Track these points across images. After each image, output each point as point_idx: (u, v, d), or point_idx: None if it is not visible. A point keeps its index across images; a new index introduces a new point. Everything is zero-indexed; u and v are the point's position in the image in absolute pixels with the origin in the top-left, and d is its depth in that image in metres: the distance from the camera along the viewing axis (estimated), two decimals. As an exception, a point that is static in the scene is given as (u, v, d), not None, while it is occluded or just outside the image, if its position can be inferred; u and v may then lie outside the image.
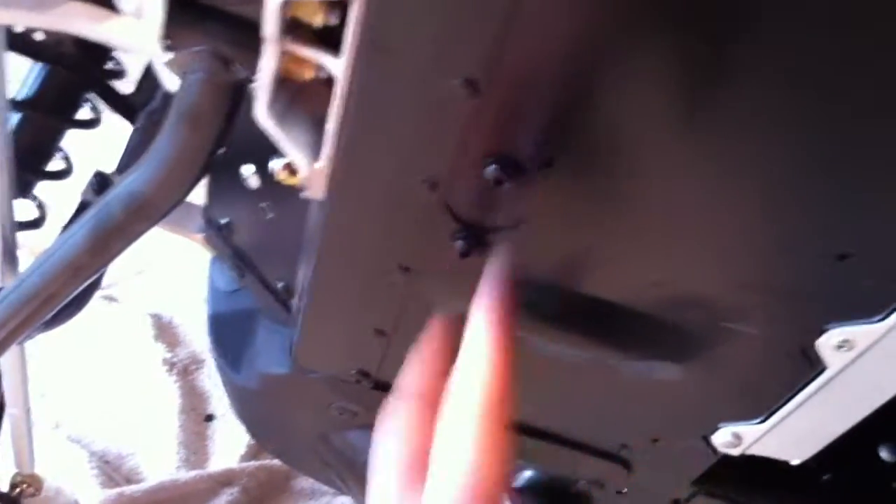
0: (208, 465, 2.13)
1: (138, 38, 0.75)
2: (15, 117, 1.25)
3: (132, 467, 2.10)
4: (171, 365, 2.30)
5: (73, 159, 1.38)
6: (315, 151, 0.75)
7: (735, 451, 0.94)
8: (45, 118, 1.30)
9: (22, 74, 1.25)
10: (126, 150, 1.33)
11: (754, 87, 0.60)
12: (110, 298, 2.49)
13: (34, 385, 1.55)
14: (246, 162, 0.96)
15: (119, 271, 2.47)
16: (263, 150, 0.83)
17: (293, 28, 0.69)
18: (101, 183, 1.17)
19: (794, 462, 0.94)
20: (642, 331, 0.83)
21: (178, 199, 0.86)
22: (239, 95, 0.77)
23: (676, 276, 0.76)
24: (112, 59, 1.34)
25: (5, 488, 1.73)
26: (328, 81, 0.71)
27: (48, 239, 1.02)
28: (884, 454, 1.08)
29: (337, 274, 0.86)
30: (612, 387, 0.92)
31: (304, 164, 0.75)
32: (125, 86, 1.38)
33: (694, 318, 0.80)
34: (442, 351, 0.76)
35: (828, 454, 1.01)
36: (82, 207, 1.21)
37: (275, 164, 0.79)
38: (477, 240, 0.76)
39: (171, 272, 2.46)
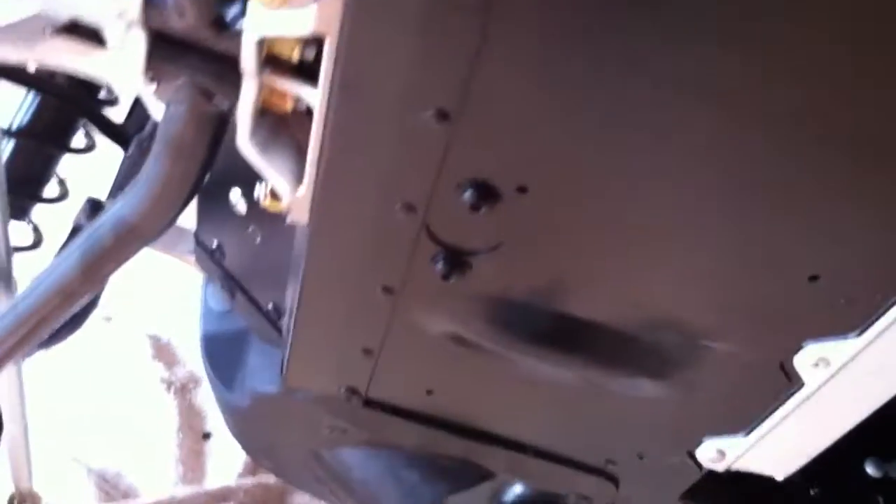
0: (205, 482, 2.14)
1: (122, 72, 0.77)
2: (10, 145, 1.27)
3: (130, 484, 2.11)
4: (169, 384, 2.31)
5: (68, 184, 1.40)
6: (297, 178, 0.76)
7: (720, 467, 0.95)
8: (40, 145, 1.31)
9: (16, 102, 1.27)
10: (118, 176, 1.35)
11: (721, 120, 0.61)
12: (109, 319, 2.50)
13: (32, 403, 1.56)
14: (234, 187, 0.98)
15: (118, 292, 2.48)
16: (251, 177, 0.85)
17: (272, 62, 0.71)
18: (93, 208, 1.19)
19: (779, 477, 0.95)
20: (625, 349, 0.84)
21: (166, 225, 0.88)
22: (221, 125, 0.79)
23: (655, 297, 0.78)
24: (104, 88, 1.35)
25: (4, 505, 1.75)
26: (308, 111, 0.72)
27: (44, 262, 1.04)
28: (870, 469, 1.09)
29: (322, 295, 0.88)
30: (598, 404, 0.94)
31: (286, 190, 0.76)
32: (117, 113, 1.40)
33: (674, 337, 0.81)
34: None
35: (815, 469, 1.02)
36: (75, 232, 1.22)
37: (259, 191, 0.80)
38: (457, 262, 0.78)
39: (169, 293, 2.48)
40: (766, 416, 0.86)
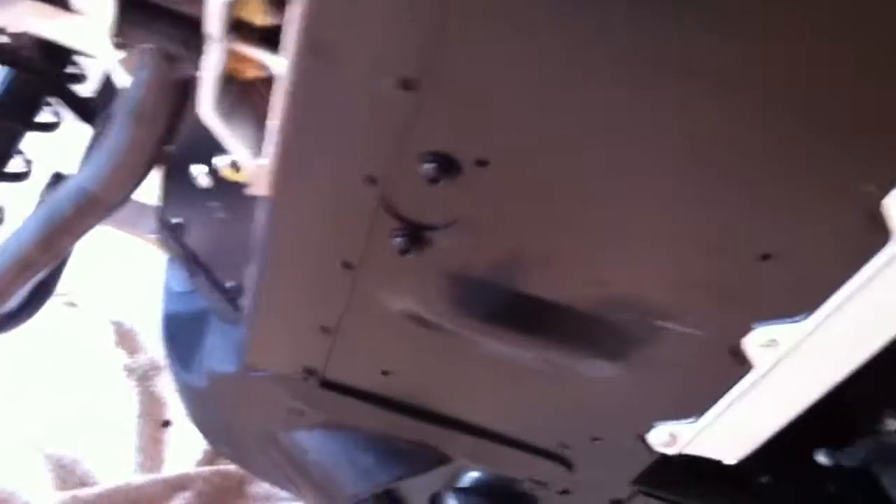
0: (163, 469, 2.13)
1: (90, 36, 0.77)
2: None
3: (86, 471, 2.09)
4: (131, 370, 2.30)
5: (33, 161, 1.39)
6: (259, 148, 0.77)
7: (671, 451, 0.96)
8: (5, 121, 1.31)
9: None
10: (86, 152, 1.35)
11: (674, 99, 0.63)
12: (72, 304, 2.49)
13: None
14: (197, 162, 0.98)
15: (82, 278, 2.47)
16: (214, 150, 0.85)
17: (237, 27, 0.71)
18: (58, 183, 1.18)
19: (729, 462, 0.97)
20: (581, 329, 0.85)
21: (126, 195, 0.88)
22: (185, 93, 0.79)
23: (608, 275, 0.79)
24: (73, 63, 1.35)
25: (-42, 492, 1.73)
26: (272, 79, 0.73)
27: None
28: (820, 458, 1.11)
29: (282, 271, 0.88)
30: (554, 386, 0.95)
31: (247, 160, 0.77)
32: (86, 89, 1.40)
33: (629, 317, 0.82)
34: None
35: (766, 457, 1.04)
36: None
37: (220, 161, 0.81)
38: (415, 237, 0.78)
39: (135, 280, 2.46)
40: (716, 399, 0.88)
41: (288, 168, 0.75)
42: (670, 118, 0.64)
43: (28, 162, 1.41)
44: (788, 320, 0.77)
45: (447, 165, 0.71)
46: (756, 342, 0.80)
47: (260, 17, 0.70)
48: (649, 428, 0.94)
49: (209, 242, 1.11)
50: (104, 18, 0.74)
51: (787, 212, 0.69)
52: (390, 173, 0.73)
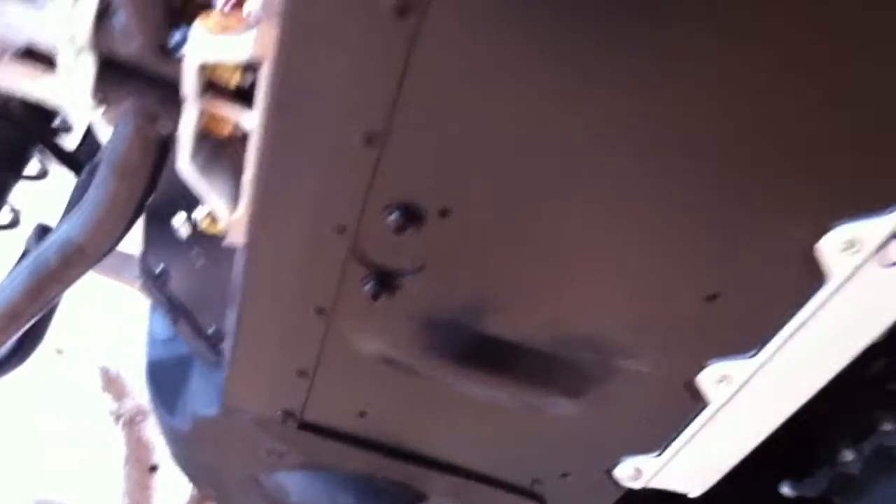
0: (150, 514, 2.15)
1: (72, 95, 0.82)
2: (-37, 172, 1.30)
3: (73, 516, 2.10)
4: (118, 416, 2.32)
5: (22, 212, 1.43)
6: (235, 200, 0.81)
7: (637, 485, 1.00)
8: (-6, 172, 1.35)
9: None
10: (70, 202, 1.38)
11: (625, 153, 0.67)
12: (60, 351, 2.51)
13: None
14: (178, 212, 1.02)
15: (69, 324, 2.49)
16: (194, 202, 0.89)
17: (212, 87, 0.76)
18: (42, 234, 1.21)
19: (693, 495, 1.00)
20: (543, 369, 0.89)
21: (110, 246, 0.91)
22: (164, 148, 0.83)
23: (568, 316, 0.83)
24: (59, 116, 1.39)
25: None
26: (247, 136, 0.77)
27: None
28: (785, 490, 1.15)
29: (258, 316, 0.92)
30: (521, 423, 0.98)
31: (224, 212, 0.81)
32: (71, 141, 1.44)
33: (589, 356, 0.86)
34: None
35: (732, 490, 1.08)
36: (24, 257, 1.25)
37: (198, 213, 0.85)
38: (385, 283, 0.82)
39: (121, 326, 2.49)
40: (677, 434, 0.91)
41: (261, 219, 0.79)
42: (619, 173, 0.69)
43: (15, 212, 1.44)
44: (739, 357, 0.82)
45: (412, 215, 0.75)
46: (709, 378, 0.84)
47: (233, 78, 0.74)
48: (615, 463, 0.98)
49: (190, 289, 1.15)
50: (85, 79, 0.79)
51: (729, 256, 0.73)
52: (359, 223, 0.77)
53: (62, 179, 1.41)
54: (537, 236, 0.76)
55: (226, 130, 0.79)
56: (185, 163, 0.79)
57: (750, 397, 0.85)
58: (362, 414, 1.02)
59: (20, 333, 1.11)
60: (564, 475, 1.03)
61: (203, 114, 0.77)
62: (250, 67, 0.72)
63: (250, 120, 0.75)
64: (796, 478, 1.11)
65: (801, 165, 0.65)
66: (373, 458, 1.08)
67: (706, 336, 0.81)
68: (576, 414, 0.93)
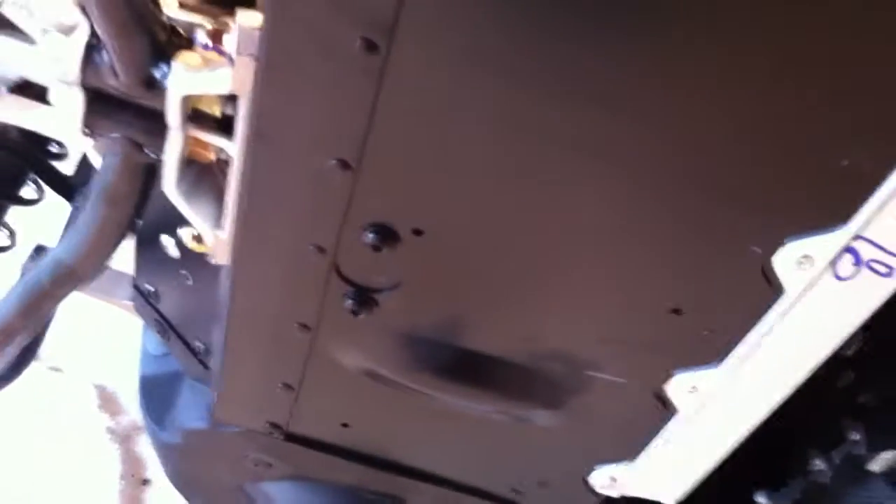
0: (145, 528, 2.17)
1: (63, 127, 0.85)
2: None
3: (69, 531, 2.13)
4: (114, 432, 2.35)
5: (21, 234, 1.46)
6: (219, 222, 0.85)
7: (613, 493, 1.03)
8: (-11, 196, 1.38)
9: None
10: (66, 226, 1.42)
11: (589, 173, 0.71)
12: (56, 369, 2.54)
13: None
14: (167, 233, 1.05)
15: (65, 343, 2.52)
16: (182, 223, 0.93)
17: (196, 117, 0.80)
18: (39, 255, 1.25)
19: (668, 502, 1.03)
20: (519, 381, 0.92)
21: (99, 267, 0.95)
22: (151, 175, 0.87)
23: (540, 331, 0.87)
24: (54, 143, 1.43)
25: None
26: (229, 161, 0.81)
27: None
28: (760, 499, 1.18)
29: (244, 333, 0.95)
30: (500, 434, 1.01)
31: (208, 233, 0.84)
32: (66, 167, 1.47)
33: (562, 368, 0.90)
34: None
35: (708, 500, 1.11)
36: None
37: (183, 234, 0.89)
38: (364, 300, 0.86)
39: (116, 343, 2.52)
40: (649, 443, 0.95)
41: (244, 240, 0.83)
42: (584, 196, 0.73)
43: (11, 234, 1.48)
44: (705, 367, 0.85)
45: (387, 235, 0.79)
46: (678, 388, 0.87)
47: (215, 108, 0.78)
48: (591, 471, 1.01)
49: (180, 307, 1.18)
50: (75, 112, 0.83)
51: (689, 271, 0.77)
52: (337, 243, 0.81)
53: (63, 203, 1.44)
54: (507, 256, 0.80)
55: (210, 156, 0.83)
56: (170, 188, 0.82)
57: (717, 406, 0.89)
58: (346, 425, 1.06)
59: (15, 349, 1.15)
60: (542, 484, 1.06)
61: (188, 141, 0.80)
62: (232, 97, 0.76)
63: (232, 147, 0.78)
64: (771, 487, 1.14)
65: (754, 184, 0.69)
66: (358, 470, 1.12)
67: (672, 348, 0.84)
68: (552, 424, 0.97)
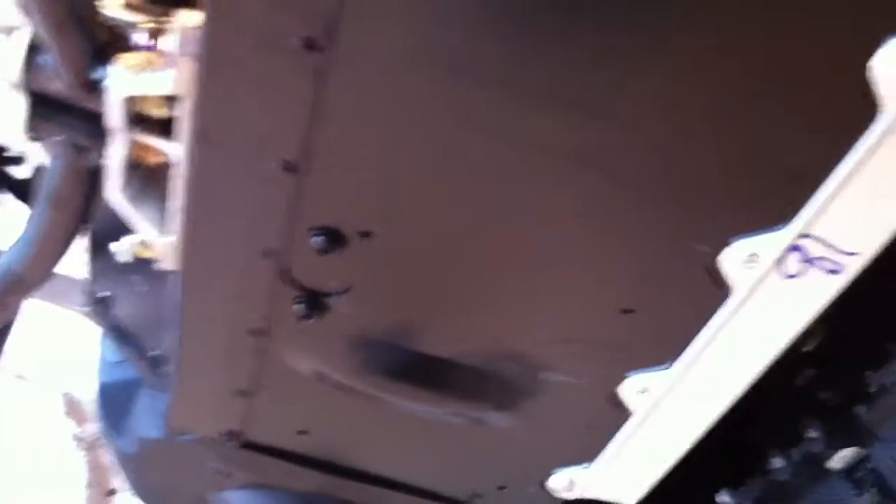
0: (110, 537, 2.15)
1: (7, 131, 0.84)
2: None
3: (33, 540, 2.11)
4: (80, 440, 2.33)
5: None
6: (164, 227, 0.84)
7: (571, 495, 1.02)
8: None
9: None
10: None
11: (540, 176, 0.71)
12: (22, 377, 2.51)
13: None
14: (119, 239, 1.04)
15: (31, 351, 2.50)
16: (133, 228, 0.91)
17: (139, 120, 0.78)
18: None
19: (628, 504, 1.03)
20: (473, 383, 0.92)
21: (49, 273, 0.94)
22: (97, 178, 0.85)
23: (493, 333, 0.86)
24: (10, 147, 1.41)
25: None
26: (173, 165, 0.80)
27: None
28: (722, 498, 1.17)
29: (196, 339, 0.94)
30: (457, 438, 1.01)
31: (154, 238, 0.83)
32: (23, 171, 1.45)
33: (516, 370, 0.89)
34: None
35: (670, 499, 1.10)
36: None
37: (130, 239, 0.87)
38: (315, 304, 0.85)
39: (82, 352, 2.49)
40: (605, 445, 0.94)
41: (190, 244, 0.81)
42: (532, 195, 0.72)
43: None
44: (656, 368, 0.85)
45: (334, 238, 0.78)
46: (630, 389, 0.87)
47: (158, 110, 0.77)
48: (550, 474, 1.01)
49: (134, 314, 1.17)
50: (18, 114, 0.81)
51: (639, 271, 0.76)
52: (284, 247, 0.80)
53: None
54: (457, 258, 0.79)
55: (154, 160, 0.81)
56: (114, 192, 0.81)
57: (670, 407, 0.88)
58: (303, 432, 1.05)
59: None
60: (501, 488, 1.05)
61: (132, 144, 0.79)
62: (174, 98, 0.75)
63: (175, 150, 0.77)
64: (732, 486, 1.14)
65: (698, 185, 0.69)
66: (317, 477, 1.11)
67: (624, 349, 0.84)
68: (508, 427, 0.96)
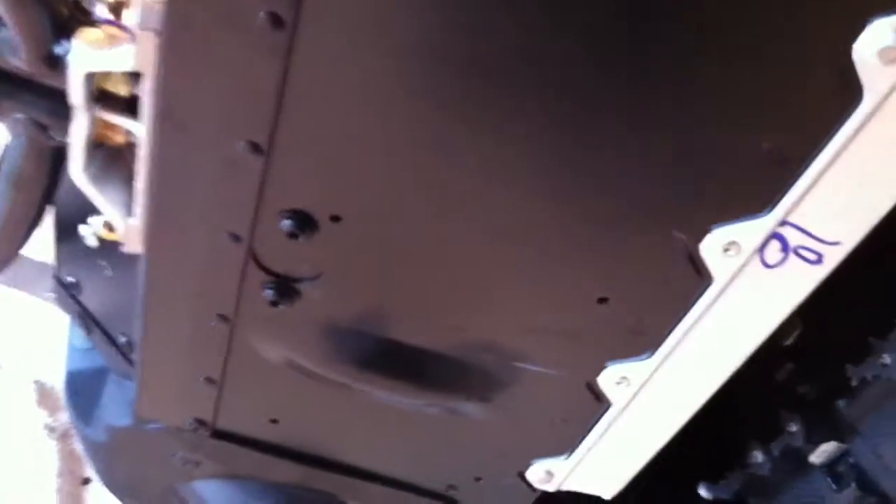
0: (83, 527, 2.12)
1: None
2: None
3: (4, 530, 2.07)
4: (52, 429, 2.29)
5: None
6: (130, 208, 0.81)
7: (550, 487, 1.00)
8: None
9: None
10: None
11: (505, 169, 0.69)
12: (-4, 365, 2.48)
13: None
14: (85, 222, 1.01)
15: (3, 339, 2.46)
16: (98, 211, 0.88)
17: (103, 97, 0.76)
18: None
19: (607, 496, 1.01)
20: (448, 373, 0.89)
21: (12, 254, 0.91)
22: (59, 157, 0.83)
23: (466, 321, 0.84)
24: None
25: None
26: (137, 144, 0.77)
27: None
28: (703, 492, 1.17)
29: (163, 325, 0.91)
30: (432, 428, 0.99)
31: (118, 220, 0.81)
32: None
33: (491, 360, 0.87)
34: None
35: (649, 492, 1.09)
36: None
37: (94, 221, 0.84)
38: (285, 290, 0.83)
39: (55, 340, 2.46)
40: (583, 436, 0.93)
41: (156, 227, 0.79)
42: (505, 181, 0.70)
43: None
44: (636, 359, 0.83)
45: (304, 222, 0.75)
46: (609, 380, 0.85)
47: (122, 88, 0.74)
48: (527, 466, 0.99)
49: (102, 299, 1.14)
50: (-23, 92, 0.79)
51: (616, 260, 0.74)
52: (253, 230, 0.77)
53: None
54: (429, 244, 0.77)
55: (118, 139, 0.79)
56: (77, 172, 0.78)
57: (650, 398, 0.86)
58: (274, 421, 1.02)
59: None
60: (478, 479, 1.04)
61: (95, 123, 0.76)
62: (139, 76, 0.72)
63: (140, 129, 0.75)
64: (712, 480, 1.13)
65: (676, 171, 0.67)
66: (289, 467, 1.08)
67: (601, 339, 0.82)
68: (484, 417, 0.94)
